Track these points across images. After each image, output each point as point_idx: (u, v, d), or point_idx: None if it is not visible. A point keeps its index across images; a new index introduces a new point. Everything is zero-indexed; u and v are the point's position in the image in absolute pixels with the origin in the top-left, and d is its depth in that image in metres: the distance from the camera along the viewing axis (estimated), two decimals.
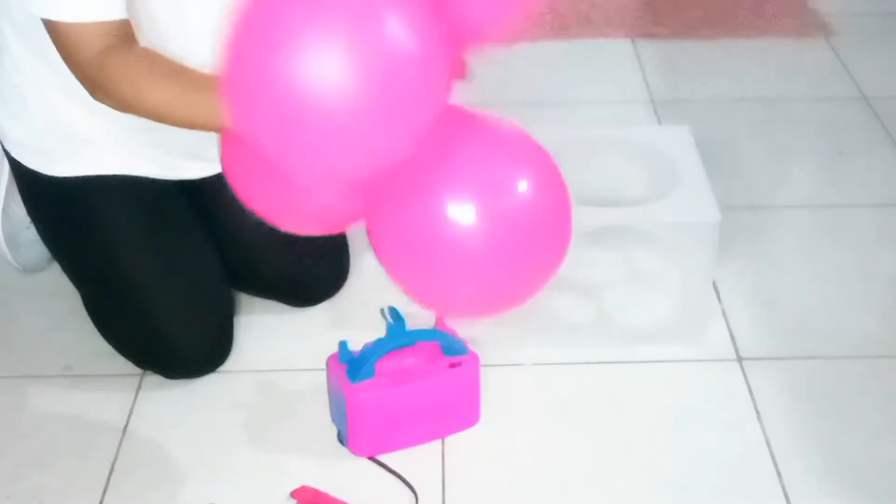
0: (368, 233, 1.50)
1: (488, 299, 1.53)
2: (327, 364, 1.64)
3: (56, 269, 1.84)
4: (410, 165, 1.46)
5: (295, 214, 1.55)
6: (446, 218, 1.42)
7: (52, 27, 1.50)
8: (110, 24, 1.48)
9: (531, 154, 1.51)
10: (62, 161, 1.71)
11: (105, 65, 1.49)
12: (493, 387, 1.69)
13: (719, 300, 1.91)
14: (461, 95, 1.47)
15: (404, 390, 1.59)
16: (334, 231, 1.64)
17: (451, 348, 1.62)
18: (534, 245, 1.48)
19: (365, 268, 1.90)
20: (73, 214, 1.73)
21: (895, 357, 1.79)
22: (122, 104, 1.52)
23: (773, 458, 1.60)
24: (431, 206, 1.43)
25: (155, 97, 1.50)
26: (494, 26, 1.50)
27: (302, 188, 1.51)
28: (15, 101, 1.70)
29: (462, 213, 1.43)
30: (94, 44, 1.48)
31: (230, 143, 1.54)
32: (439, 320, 1.65)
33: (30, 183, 1.76)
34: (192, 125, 1.52)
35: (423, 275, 1.49)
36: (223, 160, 1.56)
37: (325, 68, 1.22)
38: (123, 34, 1.51)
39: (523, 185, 1.46)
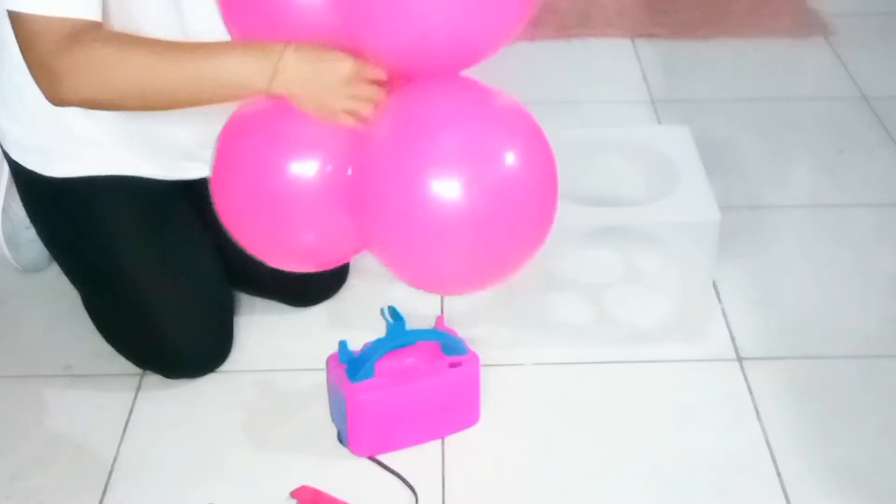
0: (353, 215, 1.49)
1: (475, 273, 1.52)
2: (327, 364, 1.64)
3: (56, 269, 1.84)
4: (392, 139, 1.46)
5: (284, 250, 1.56)
6: (431, 193, 1.42)
7: (17, 19, 1.46)
8: (74, 20, 1.46)
9: (517, 123, 1.50)
10: (61, 161, 1.71)
11: (66, 53, 1.45)
12: (493, 387, 1.69)
13: (719, 300, 1.91)
14: None
15: (404, 390, 1.58)
16: (324, 268, 1.64)
17: (451, 348, 1.62)
18: (520, 216, 1.47)
19: (365, 268, 1.90)
20: (73, 215, 1.73)
21: (895, 357, 1.79)
22: (89, 91, 1.47)
23: (773, 457, 1.60)
24: (415, 180, 1.43)
25: (128, 68, 1.46)
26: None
27: (293, 224, 1.52)
28: (14, 101, 1.69)
29: (447, 187, 1.42)
30: (55, 35, 1.45)
31: (221, 176, 1.54)
32: (439, 320, 1.66)
33: (29, 183, 1.76)
34: (173, 97, 1.49)
35: (409, 251, 1.48)
36: (214, 194, 1.55)
37: None
38: (84, 29, 1.47)
39: (510, 157, 1.45)
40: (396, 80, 1.51)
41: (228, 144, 1.53)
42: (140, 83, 1.48)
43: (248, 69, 1.45)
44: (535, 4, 1.50)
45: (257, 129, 1.51)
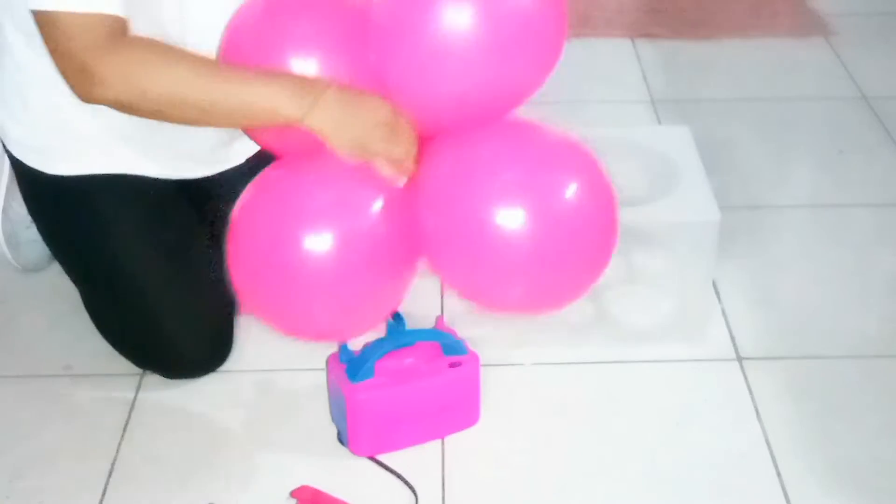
0: (424, 241, 1.51)
1: (537, 299, 1.55)
2: (327, 364, 1.64)
3: (56, 269, 1.84)
4: (461, 173, 1.48)
5: (294, 322, 1.57)
6: (495, 222, 1.44)
7: (47, 18, 1.46)
8: (110, 17, 1.46)
9: (578, 158, 1.53)
10: (63, 160, 1.71)
11: (107, 52, 1.45)
12: (493, 387, 1.69)
13: (719, 300, 1.91)
14: None
15: (404, 390, 1.58)
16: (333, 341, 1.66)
17: (451, 348, 1.62)
18: (580, 247, 1.50)
19: None
20: (74, 213, 1.73)
21: (895, 357, 1.79)
22: (125, 93, 1.48)
23: (773, 457, 1.60)
24: (482, 210, 1.45)
25: (169, 77, 1.47)
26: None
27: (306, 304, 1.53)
28: (16, 101, 1.69)
29: (510, 217, 1.44)
30: (93, 33, 1.45)
31: (236, 250, 1.54)
32: (439, 320, 1.66)
33: (31, 182, 1.76)
34: (207, 113, 1.49)
35: (475, 278, 1.51)
36: (230, 266, 1.55)
37: None
38: (120, 29, 1.48)
39: (570, 190, 1.48)
40: (422, 139, 1.52)
41: (242, 217, 1.53)
42: (177, 93, 1.48)
43: (287, 97, 1.45)
44: (562, 51, 1.54)
45: (271, 202, 1.51)
